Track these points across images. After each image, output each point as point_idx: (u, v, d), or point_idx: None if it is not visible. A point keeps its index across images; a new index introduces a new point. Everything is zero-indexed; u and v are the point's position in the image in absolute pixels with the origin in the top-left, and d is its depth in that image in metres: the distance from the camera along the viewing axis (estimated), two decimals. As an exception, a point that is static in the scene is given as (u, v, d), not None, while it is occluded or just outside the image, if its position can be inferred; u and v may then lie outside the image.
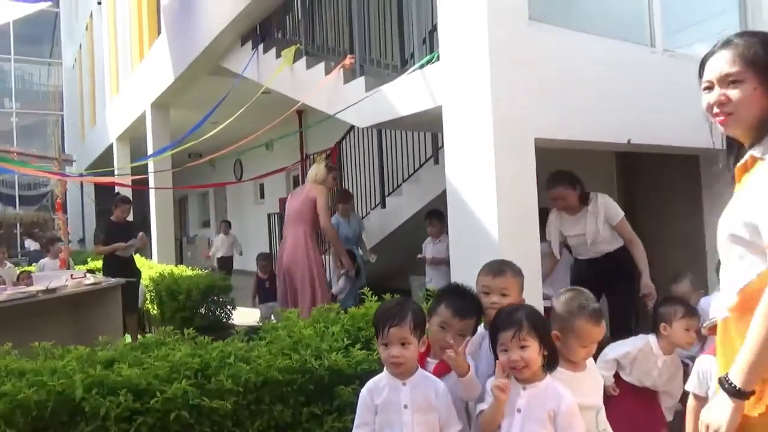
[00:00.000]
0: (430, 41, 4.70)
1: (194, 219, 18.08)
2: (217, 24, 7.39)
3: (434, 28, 4.52)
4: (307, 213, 5.06)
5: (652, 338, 3.11)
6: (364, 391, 2.23)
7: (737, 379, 1.41)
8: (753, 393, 1.41)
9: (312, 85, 5.70)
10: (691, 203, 5.44)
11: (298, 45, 6.25)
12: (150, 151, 9.93)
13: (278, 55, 6.48)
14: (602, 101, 4.06)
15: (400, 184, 7.13)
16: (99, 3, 14.03)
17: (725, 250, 1.55)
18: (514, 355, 2.03)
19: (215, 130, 7.07)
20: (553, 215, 4.22)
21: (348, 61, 5.32)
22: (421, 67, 4.35)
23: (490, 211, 3.60)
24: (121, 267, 6.61)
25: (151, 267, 8.47)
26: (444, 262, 5.42)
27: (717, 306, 1.65)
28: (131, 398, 2.24)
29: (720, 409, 1.44)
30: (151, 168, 9.55)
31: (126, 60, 12.29)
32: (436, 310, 2.35)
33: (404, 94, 4.50)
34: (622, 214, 4.05)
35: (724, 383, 1.44)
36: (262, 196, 13.58)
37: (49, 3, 13.08)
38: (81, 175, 13.32)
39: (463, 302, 2.33)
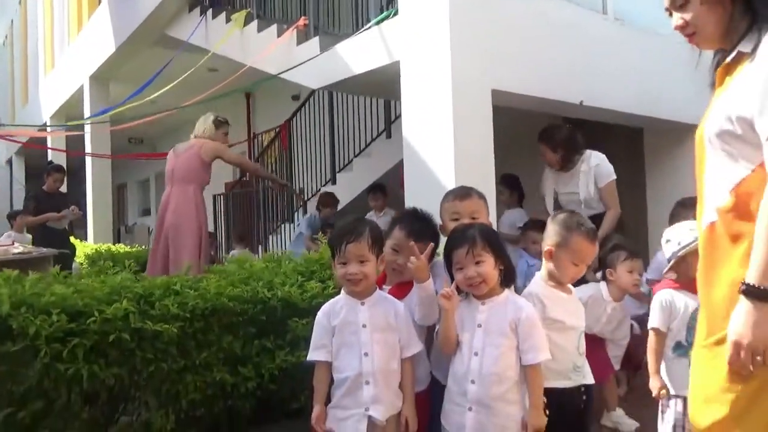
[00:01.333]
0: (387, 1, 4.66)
1: (134, 207, 17.35)
2: (162, -12, 7.09)
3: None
4: (194, 171, 4.51)
5: (602, 285, 3.15)
6: (320, 313, 2.13)
7: (759, 280, 1.30)
8: None
9: (263, 49, 5.53)
10: (634, 175, 5.60)
11: (249, 9, 6.06)
12: (88, 132, 9.44)
13: (228, 20, 6.26)
14: (556, 61, 4.11)
15: (352, 160, 7.03)
16: (34, -25, 13.30)
17: (709, 155, 1.51)
18: (470, 271, 1.97)
19: (160, 114, 6.75)
20: (547, 171, 4.08)
21: (302, 22, 5.18)
22: (378, 23, 4.29)
23: (447, 161, 3.57)
24: (53, 240, 6.16)
25: (86, 246, 8.01)
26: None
27: (702, 213, 1.54)
28: (65, 319, 2.05)
29: (747, 320, 1.32)
30: (88, 148, 9.08)
31: (63, 33, 11.66)
32: (390, 233, 2.28)
33: (360, 52, 4.42)
34: (613, 177, 3.86)
35: (747, 289, 1.32)
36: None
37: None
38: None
39: (417, 224, 2.27)
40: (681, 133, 4.90)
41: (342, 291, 2.15)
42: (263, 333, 2.49)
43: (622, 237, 3.84)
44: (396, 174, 5.17)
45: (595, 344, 3.23)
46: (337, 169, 7.26)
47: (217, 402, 2.43)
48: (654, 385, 2.37)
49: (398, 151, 4.76)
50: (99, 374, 2.07)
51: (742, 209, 1.42)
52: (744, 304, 1.33)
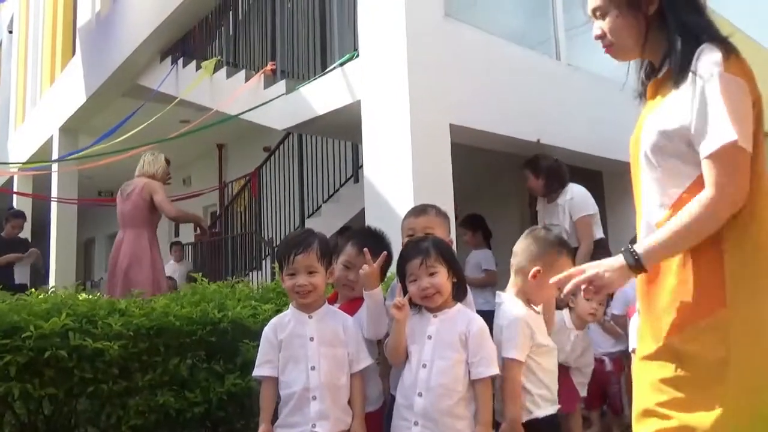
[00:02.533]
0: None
1: (101, 262, 16.95)
2: (135, 39, 7.24)
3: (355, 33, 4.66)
4: (143, 214, 4.39)
5: (564, 313, 3.16)
6: (267, 328, 2.09)
7: (641, 249, 1.42)
8: (645, 271, 1.43)
9: (231, 94, 5.63)
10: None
11: (219, 57, 6.21)
12: (55, 182, 9.34)
13: (198, 68, 6.39)
14: (512, 101, 4.28)
15: (320, 206, 7.06)
16: (10, 32, 13.46)
17: (644, 170, 1.53)
18: (424, 282, 1.96)
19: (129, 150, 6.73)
20: (539, 202, 4.18)
21: (269, 67, 5.32)
22: (342, 65, 4.42)
23: (406, 193, 3.62)
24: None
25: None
26: None
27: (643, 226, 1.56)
28: (-1, 335, 1.97)
29: (609, 266, 1.44)
30: (54, 192, 8.96)
31: (35, 86, 11.72)
32: (342, 250, 2.27)
33: (324, 93, 4.54)
34: (589, 212, 3.87)
35: (627, 249, 1.43)
36: (177, 234, 13.02)
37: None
38: None
39: (370, 240, 2.26)
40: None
41: (290, 305, 2.12)
42: (212, 356, 2.42)
43: None
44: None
45: (561, 372, 3.23)
46: (306, 215, 7.27)
47: (162, 429, 2.31)
48: None
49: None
50: (33, 393, 1.97)
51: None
52: (618, 259, 1.45)
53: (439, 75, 3.87)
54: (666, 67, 1.53)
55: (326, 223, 6.75)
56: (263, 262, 7.47)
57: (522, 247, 2.26)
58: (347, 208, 6.43)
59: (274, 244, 7.43)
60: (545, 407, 2.13)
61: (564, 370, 3.20)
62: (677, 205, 1.44)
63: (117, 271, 4.31)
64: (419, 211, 2.41)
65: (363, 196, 5.43)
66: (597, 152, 4.85)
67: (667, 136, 1.44)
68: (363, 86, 4.12)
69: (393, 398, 2.09)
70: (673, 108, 1.45)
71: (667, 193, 1.47)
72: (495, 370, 1.95)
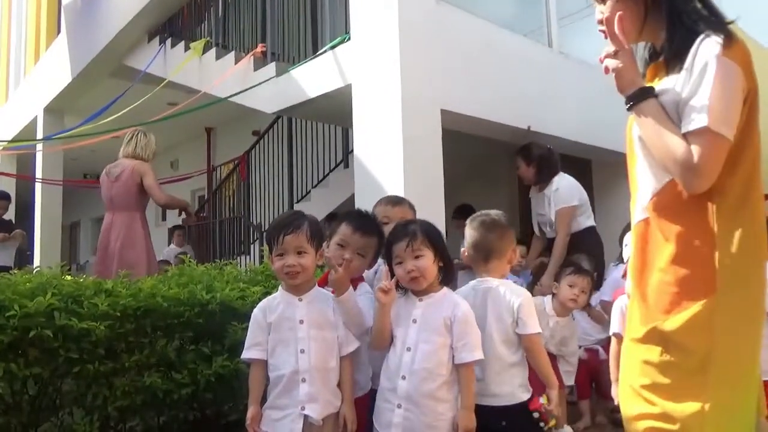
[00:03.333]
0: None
1: (86, 245, 16.79)
2: (122, 18, 7.10)
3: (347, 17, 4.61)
4: (135, 197, 4.32)
5: (546, 299, 3.18)
6: (256, 310, 2.07)
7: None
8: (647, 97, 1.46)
9: (220, 76, 5.55)
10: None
11: (208, 38, 6.12)
12: (39, 163, 9.19)
13: (186, 49, 6.29)
14: (503, 87, 4.26)
15: (309, 191, 7.03)
16: (-7, 9, 13.17)
17: (638, 153, 1.56)
18: (409, 264, 1.95)
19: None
20: (531, 189, 4.15)
21: (259, 49, 5.25)
22: (333, 47, 4.37)
23: (397, 178, 3.61)
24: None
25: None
26: None
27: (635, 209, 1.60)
28: (-18, 314, 1.94)
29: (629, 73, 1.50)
30: (38, 173, 8.82)
31: (19, 65, 11.50)
32: (335, 230, 2.26)
33: (314, 76, 4.49)
34: (572, 203, 3.85)
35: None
36: (164, 219, 12.92)
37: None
38: None
39: (362, 220, 2.25)
40: (626, 165, 5.08)
41: (280, 287, 2.10)
42: (200, 337, 2.40)
43: (586, 257, 3.89)
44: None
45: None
46: (295, 200, 7.23)
47: (149, 410, 2.30)
48: (615, 393, 2.36)
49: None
50: (17, 373, 1.94)
51: (666, 210, 1.46)
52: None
53: (430, 60, 3.84)
54: (662, 54, 1.55)
55: (315, 208, 6.72)
56: (251, 246, 7.44)
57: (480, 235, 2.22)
58: (337, 193, 6.41)
59: (263, 229, 7.39)
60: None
61: (551, 358, 3.24)
62: (664, 191, 1.46)
63: (109, 254, 4.22)
64: (396, 200, 2.45)
65: (353, 181, 5.41)
66: (587, 140, 4.86)
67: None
68: (354, 70, 4.08)
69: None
70: (666, 93, 1.46)
71: (657, 177, 1.49)
72: (479, 355, 1.96)
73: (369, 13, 4.00)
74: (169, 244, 8.75)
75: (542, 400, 2.05)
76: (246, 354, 2.01)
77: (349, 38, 4.23)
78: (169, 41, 6.73)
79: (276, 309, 2.04)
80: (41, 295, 2.03)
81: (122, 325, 2.19)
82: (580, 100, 4.78)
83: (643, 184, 1.55)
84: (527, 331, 2.07)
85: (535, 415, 2.03)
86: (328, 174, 6.81)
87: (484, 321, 2.08)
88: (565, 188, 3.94)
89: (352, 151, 6.41)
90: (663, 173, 1.47)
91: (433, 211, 3.65)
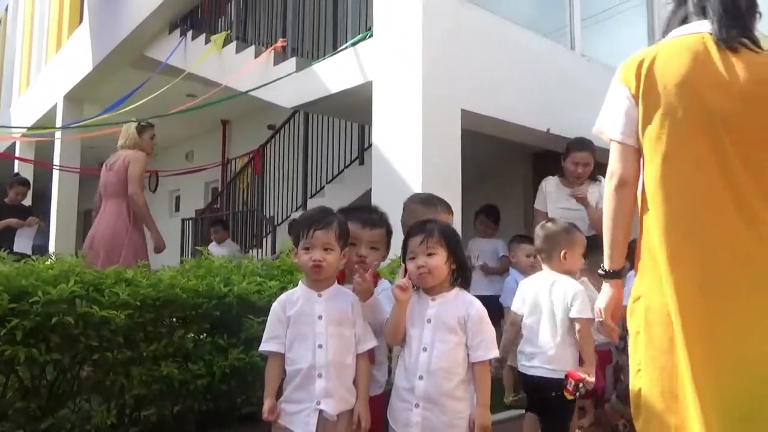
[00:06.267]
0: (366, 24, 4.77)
1: (100, 233, 16.98)
2: (144, 9, 7.15)
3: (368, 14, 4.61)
4: (125, 185, 4.27)
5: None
6: (275, 304, 2.08)
7: (606, 265, 1.81)
8: (617, 275, 1.80)
9: (240, 70, 5.58)
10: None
11: (229, 31, 6.14)
12: (57, 150, 9.30)
13: (207, 42, 6.33)
14: (524, 88, 4.24)
15: (324, 186, 7.04)
16: (16, -3, 13.33)
17: None
18: (420, 260, 1.96)
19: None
20: (551, 183, 4.01)
21: (280, 44, 5.27)
22: (354, 44, 4.38)
23: (415, 176, 3.61)
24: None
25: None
26: None
27: None
28: (7, 299, 1.96)
29: (602, 293, 1.85)
30: (56, 160, 8.92)
31: (41, 52, 11.61)
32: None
33: (335, 72, 4.49)
34: None
35: (601, 271, 1.83)
36: (177, 209, 12.99)
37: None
38: None
39: (368, 214, 2.26)
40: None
41: (300, 283, 2.11)
42: (217, 329, 2.42)
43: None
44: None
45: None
46: (309, 195, 7.25)
47: (164, 400, 2.32)
48: None
49: (370, 178, 4.76)
50: (38, 358, 1.97)
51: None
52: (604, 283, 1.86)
53: (452, 59, 3.84)
54: None
55: (329, 204, 6.69)
56: (264, 240, 7.47)
57: (547, 236, 2.75)
58: (351, 189, 6.41)
59: (276, 223, 7.43)
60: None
61: None
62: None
63: (96, 241, 4.21)
64: (428, 203, 2.44)
65: (368, 178, 5.40)
66: (605, 145, 4.81)
67: None
68: (375, 67, 4.08)
69: None
70: None
71: None
72: (495, 353, 1.98)
73: (392, 10, 4.00)
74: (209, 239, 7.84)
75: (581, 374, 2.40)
76: (264, 346, 2.02)
77: (371, 35, 4.23)
78: (190, 33, 6.77)
79: (296, 303, 2.05)
80: (63, 283, 2.06)
81: (141, 315, 2.21)
82: (600, 104, 4.72)
83: None
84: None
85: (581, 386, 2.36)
86: (342, 170, 6.82)
87: None
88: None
89: (368, 147, 6.47)
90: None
91: (449, 188, 3.63)
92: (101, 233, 4.21)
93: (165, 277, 2.32)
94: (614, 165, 1.74)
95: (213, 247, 6.79)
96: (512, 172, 5.79)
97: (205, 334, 2.41)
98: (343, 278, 2.30)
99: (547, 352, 2.52)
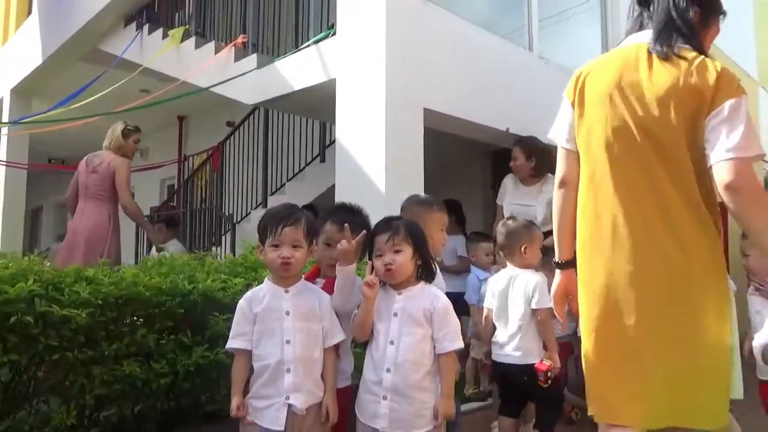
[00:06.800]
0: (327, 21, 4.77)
1: (48, 232, 16.34)
2: (98, 1, 6.94)
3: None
4: (108, 189, 4.35)
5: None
6: (242, 301, 2.08)
7: (557, 256, 2.01)
8: (569, 265, 1.96)
9: (199, 65, 5.49)
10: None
11: (187, 26, 6.03)
12: (4, 146, 8.91)
13: (165, 36, 6.20)
14: (485, 88, 4.33)
15: (284, 184, 7.00)
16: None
17: None
18: (387, 257, 2.01)
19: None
20: (509, 179, 4.21)
21: (240, 40, 5.21)
22: (317, 42, 4.38)
23: (378, 175, 3.64)
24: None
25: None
26: None
27: None
28: (-41, 299, 1.89)
29: (554, 281, 2.03)
30: (2, 156, 8.56)
31: (-15, 45, 11.10)
32: (321, 229, 2.28)
33: (298, 69, 4.48)
34: None
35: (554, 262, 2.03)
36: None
37: None
38: None
39: (348, 216, 2.27)
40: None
41: (266, 279, 2.11)
42: (180, 327, 2.39)
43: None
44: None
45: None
46: (269, 192, 7.19)
47: (126, 399, 2.28)
48: None
49: (332, 175, 4.76)
50: (-5, 359, 1.91)
51: None
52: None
53: (415, 58, 3.89)
54: None
55: (290, 201, 6.68)
56: (223, 237, 7.37)
57: (509, 233, 2.93)
58: (312, 187, 6.40)
59: (235, 220, 7.33)
60: None
61: None
62: None
63: (76, 241, 4.26)
64: (430, 204, 2.51)
65: (329, 175, 5.39)
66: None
67: None
68: (339, 65, 4.09)
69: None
70: None
71: None
72: (459, 345, 2.04)
73: (356, 9, 4.02)
74: None
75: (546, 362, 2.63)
76: (231, 344, 2.02)
77: (334, 33, 4.24)
78: (146, 27, 6.61)
79: (262, 300, 2.05)
80: (22, 281, 2.00)
81: (103, 313, 2.17)
82: (556, 105, 4.86)
83: None
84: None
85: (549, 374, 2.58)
86: (303, 168, 6.79)
87: None
88: None
89: (329, 145, 6.46)
90: None
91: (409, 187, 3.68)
92: (84, 224, 4.28)
93: (127, 275, 2.28)
94: (558, 167, 1.96)
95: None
96: (472, 171, 5.90)
97: (168, 332, 2.37)
98: (317, 273, 2.32)
99: (514, 341, 2.77)
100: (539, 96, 4.79)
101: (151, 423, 2.41)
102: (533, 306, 2.74)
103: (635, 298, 1.66)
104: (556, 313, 2.07)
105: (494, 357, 2.86)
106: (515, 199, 4.13)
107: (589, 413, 1.79)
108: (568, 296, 1.97)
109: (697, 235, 1.64)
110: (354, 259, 2.05)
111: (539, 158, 4.05)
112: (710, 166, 1.60)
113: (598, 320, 1.74)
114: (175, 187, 10.12)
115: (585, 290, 1.81)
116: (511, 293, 2.83)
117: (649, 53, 1.74)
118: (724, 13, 1.84)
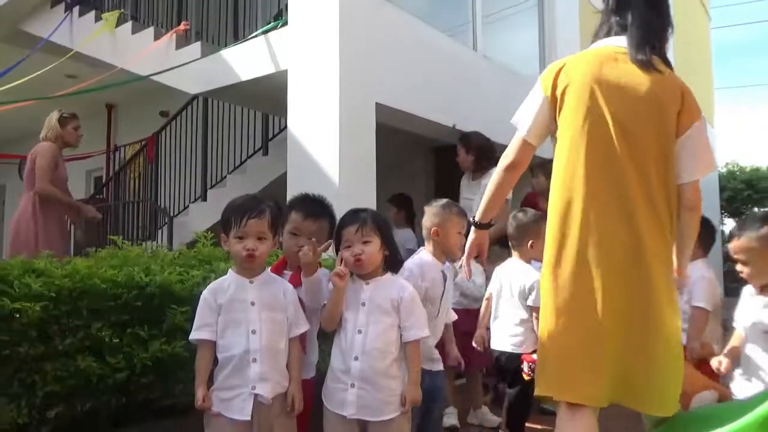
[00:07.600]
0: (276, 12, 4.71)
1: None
2: (21, -21, 6.52)
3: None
4: (31, 179, 4.13)
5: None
6: (205, 292, 2.06)
7: (477, 217, 2.18)
8: (485, 225, 2.17)
9: (138, 52, 5.28)
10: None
11: (123, 10, 5.78)
12: None
13: (97, 19, 5.91)
14: (432, 84, 4.42)
15: (225, 176, 6.84)
16: None
17: None
18: (357, 248, 2.05)
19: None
20: (465, 175, 4.40)
21: (182, 26, 5.05)
22: (266, 32, 4.32)
23: (332, 168, 3.65)
24: None
25: None
26: None
27: None
28: None
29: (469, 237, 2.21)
30: None
31: None
32: (286, 218, 2.28)
33: (246, 59, 4.41)
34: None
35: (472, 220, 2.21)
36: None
37: None
38: None
39: (312, 205, 2.30)
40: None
41: (230, 270, 2.10)
42: (137, 321, 2.32)
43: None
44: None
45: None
46: (209, 185, 7.01)
47: (80, 396, 2.20)
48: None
49: (275, 168, 4.72)
50: (-60, 357, 1.79)
51: None
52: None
53: (368, 52, 3.92)
54: None
55: (231, 194, 6.40)
56: (159, 231, 7.12)
57: (518, 226, 3.05)
58: (254, 180, 6.28)
59: (172, 214, 7.10)
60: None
61: None
62: None
63: (10, 236, 4.17)
64: (449, 207, 2.70)
65: (272, 169, 5.35)
66: (507, 142, 5.14)
67: None
68: (291, 56, 4.06)
69: None
70: None
71: None
72: (425, 333, 2.10)
73: (308, 0, 3.99)
74: None
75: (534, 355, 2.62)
76: (195, 335, 1.99)
77: (285, 23, 4.20)
78: (76, 9, 6.27)
79: (227, 291, 2.04)
80: (-33, 274, 1.89)
81: (56, 307, 2.08)
82: (501, 103, 5.02)
83: None
84: None
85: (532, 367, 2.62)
86: (245, 160, 6.66)
87: None
88: None
89: (273, 138, 6.38)
90: None
91: (365, 200, 3.74)
92: (13, 219, 4.18)
93: (81, 267, 2.19)
94: (511, 150, 2.06)
95: None
96: (415, 166, 6.00)
97: (124, 326, 2.30)
98: (284, 264, 2.31)
99: (509, 331, 2.94)
100: (483, 93, 4.96)
101: (105, 420, 2.34)
102: (530, 303, 2.88)
103: (602, 284, 1.77)
104: (464, 264, 2.24)
105: (492, 344, 3.01)
106: (464, 194, 4.30)
107: (542, 393, 1.87)
108: (478, 251, 2.21)
109: (651, 226, 1.78)
110: (316, 269, 2.07)
111: (477, 153, 4.21)
112: (680, 185, 1.83)
113: (568, 303, 1.83)
114: (104, 179, 9.66)
115: (553, 274, 1.88)
116: (513, 285, 2.96)
117: (625, 56, 1.86)
118: (672, 26, 1.99)
